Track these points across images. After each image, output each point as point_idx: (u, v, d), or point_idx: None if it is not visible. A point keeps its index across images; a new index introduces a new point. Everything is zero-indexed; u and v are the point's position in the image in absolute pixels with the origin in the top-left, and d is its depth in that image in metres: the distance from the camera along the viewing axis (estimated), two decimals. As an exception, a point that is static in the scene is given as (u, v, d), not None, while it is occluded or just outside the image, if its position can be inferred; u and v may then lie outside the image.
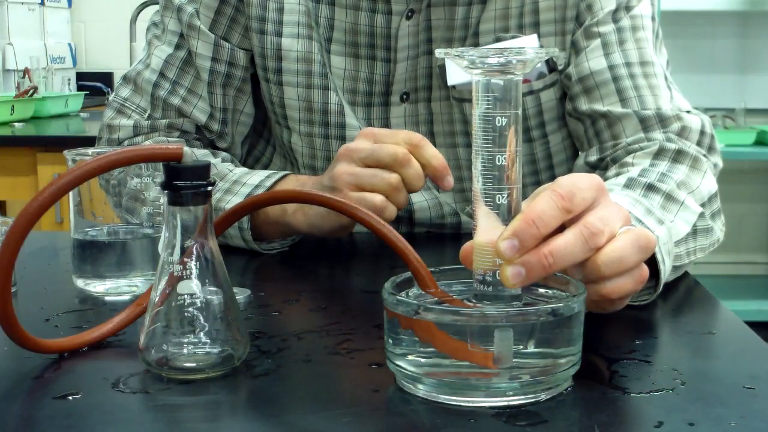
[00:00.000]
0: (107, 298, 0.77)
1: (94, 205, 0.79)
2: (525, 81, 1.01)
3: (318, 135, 1.04)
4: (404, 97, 1.03)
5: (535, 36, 0.99)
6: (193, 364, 0.58)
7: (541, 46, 1.00)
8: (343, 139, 1.03)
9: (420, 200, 1.04)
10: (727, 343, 0.68)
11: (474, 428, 0.51)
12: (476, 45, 1.00)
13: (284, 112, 1.05)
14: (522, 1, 1.00)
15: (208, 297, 0.58)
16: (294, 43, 1.02)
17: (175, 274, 0.58)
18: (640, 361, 0.62)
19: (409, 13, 1.00)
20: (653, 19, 1.03)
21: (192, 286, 0.58)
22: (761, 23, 3.39)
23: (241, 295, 0.75)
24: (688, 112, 0.99)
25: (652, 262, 0.70)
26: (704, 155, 0.95)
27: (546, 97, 1.02)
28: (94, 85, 3.63)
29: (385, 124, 1.04)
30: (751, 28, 3.41)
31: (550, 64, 1.01)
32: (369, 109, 1.04)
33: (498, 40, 1.00)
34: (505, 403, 0.53)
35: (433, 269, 0.60)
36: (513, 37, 1.00)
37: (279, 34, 1.02)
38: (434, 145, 1.04)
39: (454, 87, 1.02)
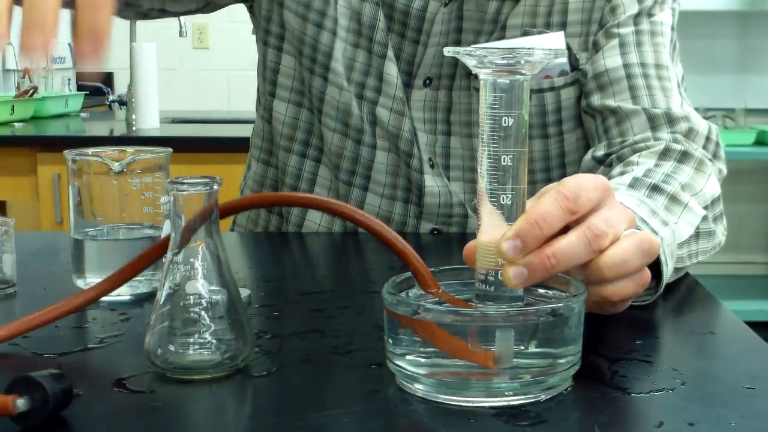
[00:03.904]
0: (107, 298, 0.77)
1: (94, 205, 0.79)
2: (547, 77, 1.02)
3: (355, 94, 1.05)
4: (427, 82, 1.05)
5: (561, 33, 1.01)
6: (199, 364, 0.58)
7: (568, 45, 1.01)
8: (375, 103, 1.04)
9: (431, 185, 1.05)
10: (727, 343, 0.68)
11: (474, 428, 0.51)
12: (503, 39, 1.02)
13: (328, 63, 1.05)
14: (551, 1, 1.01)
15: (214, 297, 0.58)
16: (348, 1, 1.04)
17: (181, 273, 0.58)
18: (640, 361, 0.62)
19: (447, 1, 1.01)
20: (673, 29, 1.04)
21: (198, 286, 0.58)
22: (761, 23, 3.39)
23: (242, 294, 0.75)
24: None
25: (655, 263, 0.70)
26: (709, 159, 0.96)
27: (566, 94, 1.03)
28: (94, 85, 3.63)
29: (405, 105, 1.05)
30: (751, 28, 3.41)
31: (573, 63, 1.02)
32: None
33: (525, 34, 1.01)
34: (505, 403, 0.53)
35: (433, 269, 0.60)
36: (540, 33, 1.01)
37: None
38: (450, 133, 1.07)
39: (476, 76, 1.03)
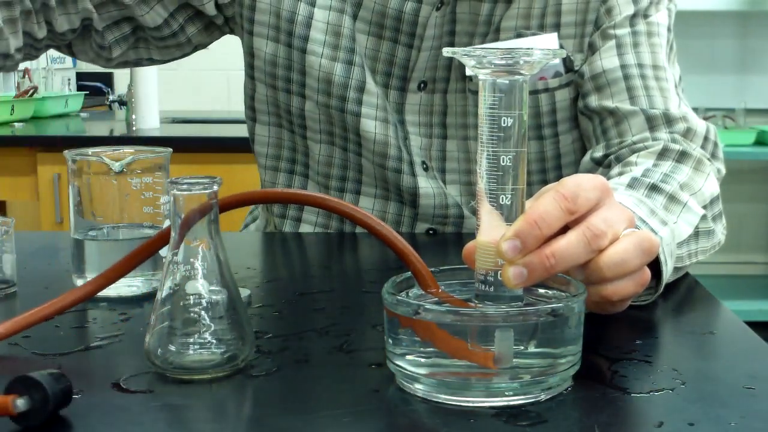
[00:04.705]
0: (107, 298, 0.77)
1: (94, 205, 0.79)
2: (541, 78, 1.02)
3: (335, 107, 1.04)
4: (422, 85, 1.04)
5: (555, 35, 1.01)
6: (199, 364, 0.58)
7: (561, 46, 1.01)
8: (358, 115, 1.03)
9: (425, 186, 1.05)
10: (727, 343, 0.68)
11: (474, 428, 0.51)
12: (497, 41, 1.02)
13: (303, 80, 1.05)
14: (545, 3, 1.01)
15: (214, 297, 0.58)
16: (325, 15, 1.03)
17: (181, 273, 0.58)
18: (640, 361, 0.62)
19: (439, 5, 1.01)
20: (669, 30, 1.04)
21: (198, 286, 0.58)
22: (761, 23, 3.39)
23: (241, 295, 0.75)
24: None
25: (655, 263, 0.70)
26: (708, 159, 0.96)
27: (561, 96, 1.03)
28: (94, 85, 3.63)
29: (400, 109, 1.05)
30: (751, 28, 3.41)
31: (567, 64, 1.02)
32: (386, 91, 1.04)
33: (519, 36, 1.01)
34: (505, 403, 0.53)
35: (433, 269, 0.60)
36: (533, 35, 1.01)
37: (312, 4, 1.03)
38: (446, 136, 1.07)
39: (471, 79, 1.03)
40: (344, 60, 1.03)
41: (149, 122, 2.65)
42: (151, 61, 1.12)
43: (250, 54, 1.07)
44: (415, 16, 1.01)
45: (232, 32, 1.11)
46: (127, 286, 0.78)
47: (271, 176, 1.11)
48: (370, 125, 1.03)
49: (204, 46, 1.13)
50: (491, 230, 0.56)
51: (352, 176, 1.07)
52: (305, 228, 1.10)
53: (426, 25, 1.01)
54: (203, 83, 3.90)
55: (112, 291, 0.78)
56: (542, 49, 0.55)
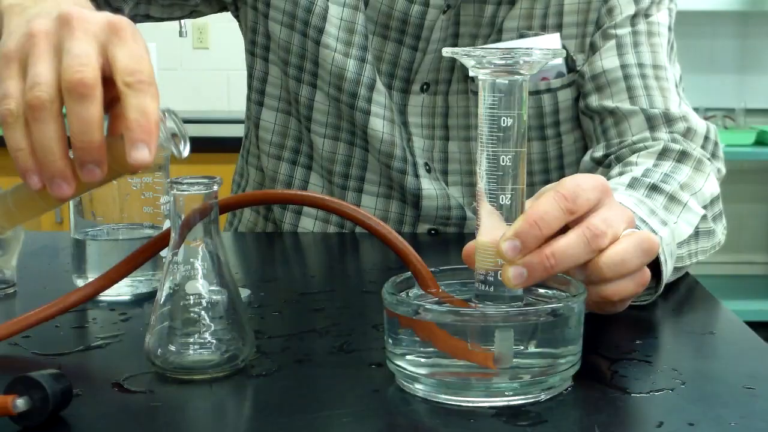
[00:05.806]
0: (107, 298, 0.77)
1: (94, 205, 0.79)
2: (544, 79, 1.02)
3: (345, 103, 1.04)
4: (424, 87, 1.04)
5: (557, 35, 1.01)
6: (199, 364, 0.58)
7: (563, 46, 1.01)
8: (367, 113, 1.03)
9: (428, 188, 1.05)
10: (727, 343, 0.68)
11: (474, 428, 0.51)
12: (499, 41, 1.02)
13: (315, 70, 1.05)
14: (547, 3, 1.01)
15: (214, 297, 0.58)
16: (339, 11, 1.03)
17: (181, 273, 0.58)
18: (640, 361, 0.62)
19: (445, 8, 1.01)
20: (670, 29, 1.04)
21: (198, 286, 0.58)
22: (761, 23, 3.39)
23: (241, 295, 0.75)
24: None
25: (655, 263, 0.70)
26: (708, 158, 0.96)
27: (563, 96, 1.03)
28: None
29: (403, 111, 1.05)
30: (751, 28, 3.41)
31: (569, 64, 1.02)
32: (388, 92, 1.05)
33: (521, 36, 1.01)
34: (505, 403, 0.53)
35: (433, 269, 0.60)
36: (535, 35, 1.01)
37: None
38: (448, 138, 1.07)
39: (473, 80, 1.03)
40: (357, 57, 1.03)
41: (149, 122, 2.64)
42: (147, 18, 1.12)
43: (266, 36, 1.07)
44: (422, 19, 1.01)
45: (236, 11, 1.11)
46: (128, 286, 0.78)
47: (273, 165, 1.11)
48: (378, 124, 1.03)
49: (201, 14, 1.12)
50: (491, 230, 0.56)
51: (356, 174, 1.07)
52: (306, 220, 1.10)
53: (432, 28, 1.01)
54: (203, 83, 3.91)
55: (112, 291, 0.78)
56: (541, 48, 0.55)
